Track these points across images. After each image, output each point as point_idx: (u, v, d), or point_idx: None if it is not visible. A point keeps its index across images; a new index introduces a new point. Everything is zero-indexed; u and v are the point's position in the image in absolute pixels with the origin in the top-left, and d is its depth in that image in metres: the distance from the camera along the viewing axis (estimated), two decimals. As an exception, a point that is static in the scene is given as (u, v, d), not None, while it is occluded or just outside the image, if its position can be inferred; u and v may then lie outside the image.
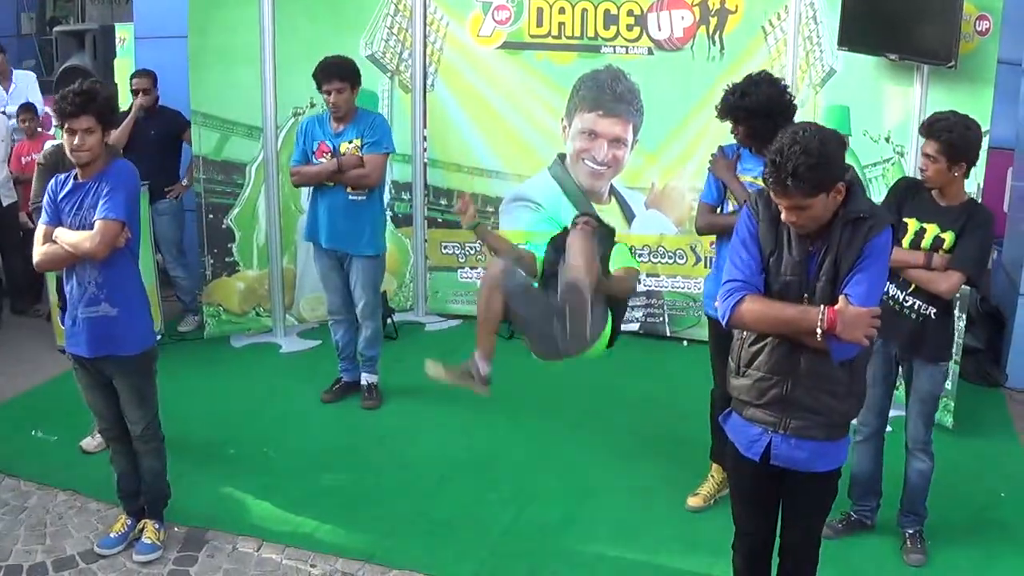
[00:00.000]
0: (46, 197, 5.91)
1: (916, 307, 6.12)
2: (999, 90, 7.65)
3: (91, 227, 5.70)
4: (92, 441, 7.39)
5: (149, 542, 6.29)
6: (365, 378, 8.48)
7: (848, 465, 6.22)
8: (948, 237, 6.00)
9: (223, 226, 9.57)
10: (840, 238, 4.39)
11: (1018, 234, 9.14)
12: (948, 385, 7.87)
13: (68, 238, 5.73)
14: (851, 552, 6.33)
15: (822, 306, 4.33)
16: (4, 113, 10.61)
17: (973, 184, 7.57)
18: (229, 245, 9.62)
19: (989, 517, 6.83)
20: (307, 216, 8.54)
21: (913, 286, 6.10)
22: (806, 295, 4.43)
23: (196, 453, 7.40)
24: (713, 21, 9.48)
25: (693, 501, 6.79)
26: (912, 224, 6.09)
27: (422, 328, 10.38)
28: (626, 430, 7.89)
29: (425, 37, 10.07)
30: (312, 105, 9.61)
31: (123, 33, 11.13)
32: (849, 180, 4.38)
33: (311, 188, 8.35)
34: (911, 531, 6.41)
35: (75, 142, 5.67)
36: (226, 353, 9.53)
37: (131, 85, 9.91)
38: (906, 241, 6.08)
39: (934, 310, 6.09)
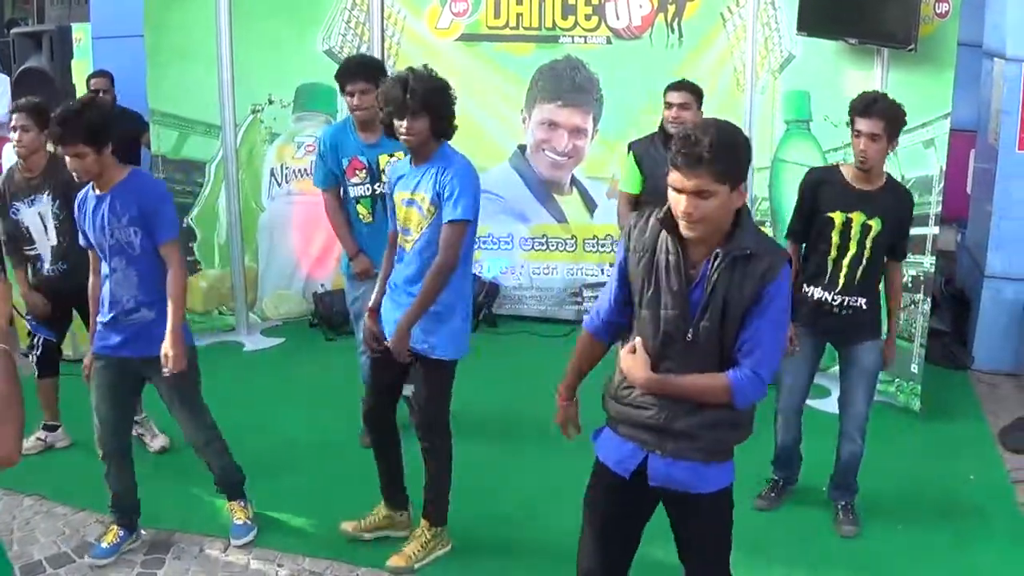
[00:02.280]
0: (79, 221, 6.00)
1: (845, 303, 6.17)
2: (959, 72, 7.65)
3: (125, 239, 5.76)
4: (27, 442, 7.12)
5: (241, 522, 6.37)
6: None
7: (771, 438, 6.48)
8: (875, 224, 6.04)
9: (183, 226, 9.44)
10: (728, 275, 3.99)
11: (981, 215, 9.16)
12: (914, 368, 7.89)
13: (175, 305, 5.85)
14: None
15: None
16: None
17: (935, 166, 7.60)
18: (190, 244, 9.54)
19: (959, 500, 6.83)
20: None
21: (840, 286, 6.14)
22: (690, 332, 4.05)
23: (161, 455, 7.37)
24: (671, 8, 9.48)
25: (346, 526, 6.41)
26: (837, 217, 6.08)
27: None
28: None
29: (383, 31, 10.01)
30: (271, 102, 9.59)
31: (79, 33, 11.03)
32: (740, 207, 4.02)
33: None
34: (843, 503, 6.48)
35: (71, 165, 5.67)
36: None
37: (88, 86, 9.82)
38: (835, 234, 6.07)
39: (864, 300, 6.16)
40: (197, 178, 9.54)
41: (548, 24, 9.76)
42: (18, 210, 7.15)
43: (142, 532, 6.40)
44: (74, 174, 5.76)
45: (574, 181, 10.02)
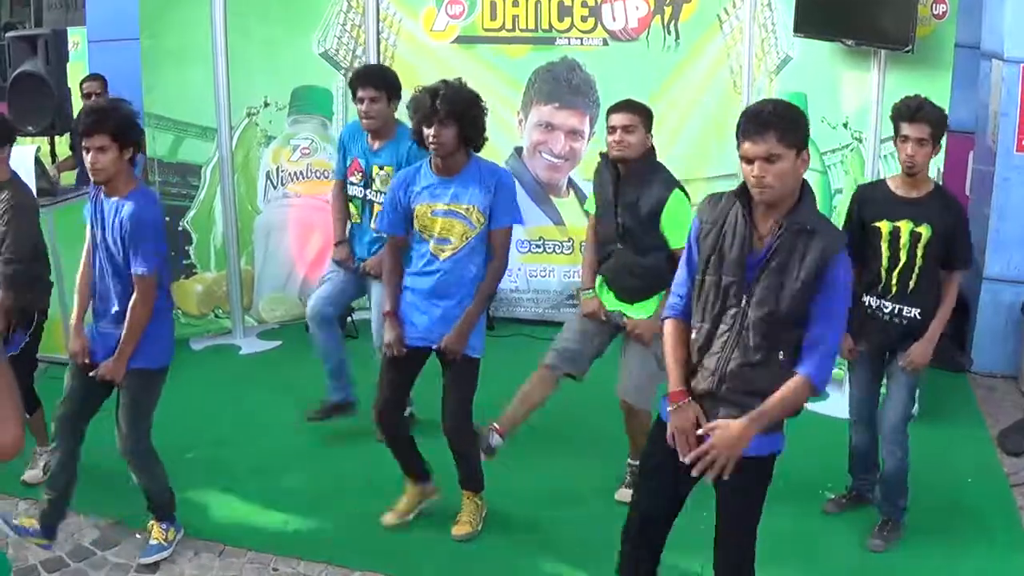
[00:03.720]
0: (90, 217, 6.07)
1: (899, 312, 6.11)
2: (957, 74, 7.65)
3: (117, 245, 5.80)
4: (33, 472, 7.12)
5: (155, 543, 6.26)
6: None
7: (847, 439, 6.56)
8: (924, 231, 5.96)
9: (179, 228, 9.46)
10: (790, 246, 4.30)
11: (979, 217, 9.12)
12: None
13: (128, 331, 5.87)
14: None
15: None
16: None
17: (933, 169, 7.57)
18: (186, 247, 9.53)
19: (957, 502, 6.82)
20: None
21: (893, 292, 6.09)
22: (744, 298, 4.38)
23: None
24: (668, 10, 9.45)
25: (388, 518, 6.57)
26: (884, 227, 6.02)
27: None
28: (588, 425, 7.82)
29: (378, 33, 9.98)
30: (266, 104, 9.55)
31: (75, 37, 11.05)
32: (804, 185, 4.39)
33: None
34: (884, 518, 6.40)
35: (89, 159, 5.69)
36: (185, 356, 9.33)
37: (81, 90, 9.79)
38: (884, 244, 6.02)
39: (918, 311, 6.09)
40: (193, 181, 9.52)
41: (544, 26, 9.73)
42: None
43: (137, 536, 6.41)
44: (90, 173, 5.79)
45: (571, 183, 10.00)
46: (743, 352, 4.41)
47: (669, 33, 9.49)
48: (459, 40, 9.93)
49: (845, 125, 8.22)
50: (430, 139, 5.86)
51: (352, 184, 7.53)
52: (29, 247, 6.57)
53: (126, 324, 5.81)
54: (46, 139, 9.65)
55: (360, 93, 7.27)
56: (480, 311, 6.23)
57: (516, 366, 7.01)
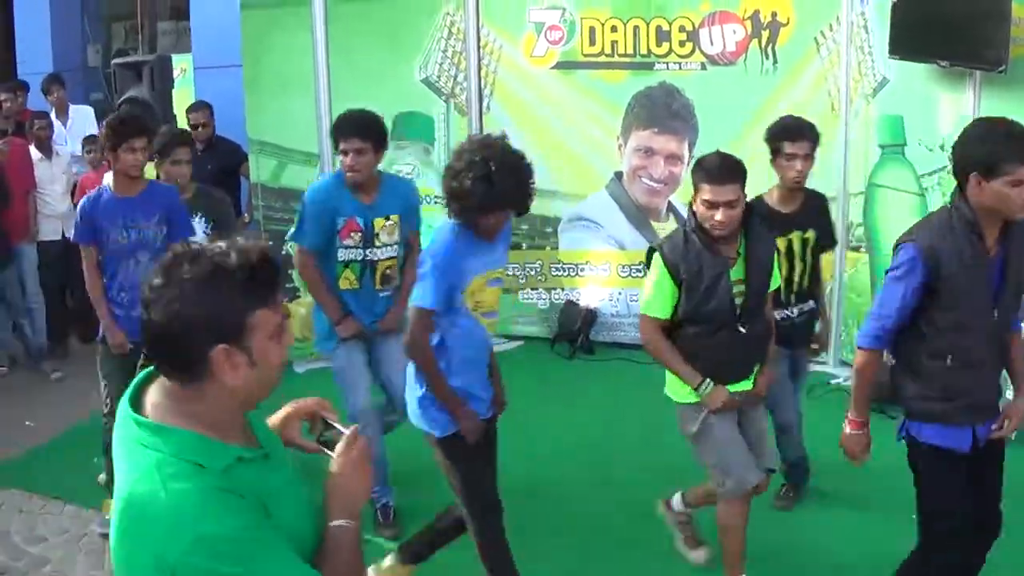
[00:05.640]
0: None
1: (802, 311, 6.66)
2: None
3: (150, 239, 6.60)
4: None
5: (107, 517, 6.34)
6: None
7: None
8: (811, 235, 6.58)
9: (282, 252, 9.61)
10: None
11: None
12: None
13: None
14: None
15: None
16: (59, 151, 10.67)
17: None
18: (289, 271, 9.66)
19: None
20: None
21: (794, 297, 6.62)
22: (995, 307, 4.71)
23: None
24: (765, 34, 9.46)
25: None
26: (781, 244, 6.32)
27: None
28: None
29: (479, 59, 10.10)
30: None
31: (183, 64, 11.27)
32: None
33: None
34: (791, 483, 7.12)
35: (128, 161, 6.48)
36: (289, 379, 9.47)
37: (188, 120, 10.02)
38: (783, 259, 6.41)
39: (812, 302, 6.77)
40: (295, 206, 9.62)
41: (643, 51, 9.78)
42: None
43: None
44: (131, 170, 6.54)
45: (671, 208, 10.02)
46: None
47: (767, 57, 9.50)
48: (559, 66, 10.02)
49: (942, 147, 8.17)
50: (491, 221, 5.27)
51: (346, 248, 6.69)
52: None
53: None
54: (152, 163, 9.89)
55: (344, 145, 6.58)
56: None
57: (617, 389, 7.04)
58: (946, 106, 8.15)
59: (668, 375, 5.71)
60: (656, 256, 5.52)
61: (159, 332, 2.48)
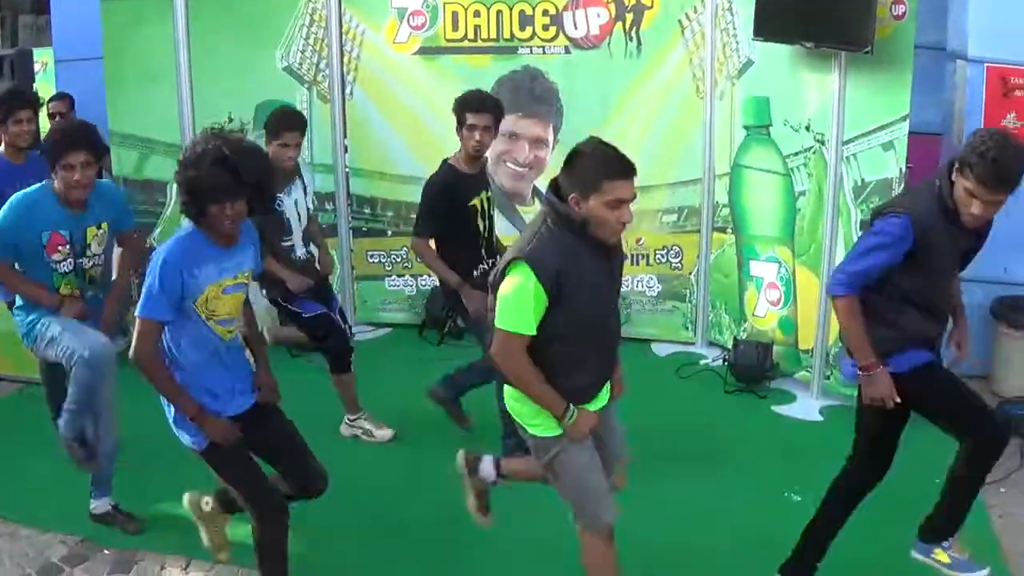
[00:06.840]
0: None
1: (496, 262, 6.87)
2: (923, 76, 7.71)
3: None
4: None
5: None
6: None
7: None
8: (488, 195, 7.76)
9: (147, 245, 9.39)
10: None
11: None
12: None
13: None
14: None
15: None
16: None
17: (895, 168, 7.60)
18: (152, 264, 9.48)
19: (926, 502, 6.74)
20: None
21: (486, 252, 7.63)
22: None
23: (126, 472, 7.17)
24: (629, 17, 9.44)
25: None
26: (477, 203, 7.53)
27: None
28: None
29: (341, 46, 9.96)
30: (230, 120, 9.47)
31: (44, 58, 11.04)
32: None
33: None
34: None
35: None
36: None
37: (47, 110, 9.77)
38: (479, 218, 7.54)
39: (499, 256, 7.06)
40: (159, 198, 9.49)
41: (506, 35, 9.72)
42: (281, 202, 7.45)
43: (105, 552, 6.41)
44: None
45: (536, 192, 9.96)
46: None
47: (631, 40, 9.48)
48: (422, 51, 9.91)
49: (807, 127, 8.23)
50: (228, 212, 5.12)
51: (58, 262, 6.34)
52: None
53: None
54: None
55: (69, 159, 6.12)
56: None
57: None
58: (812, 87, 8.19)
59: (520, 406, 5.11)
60: (521, 264, 4.82)
61: None
